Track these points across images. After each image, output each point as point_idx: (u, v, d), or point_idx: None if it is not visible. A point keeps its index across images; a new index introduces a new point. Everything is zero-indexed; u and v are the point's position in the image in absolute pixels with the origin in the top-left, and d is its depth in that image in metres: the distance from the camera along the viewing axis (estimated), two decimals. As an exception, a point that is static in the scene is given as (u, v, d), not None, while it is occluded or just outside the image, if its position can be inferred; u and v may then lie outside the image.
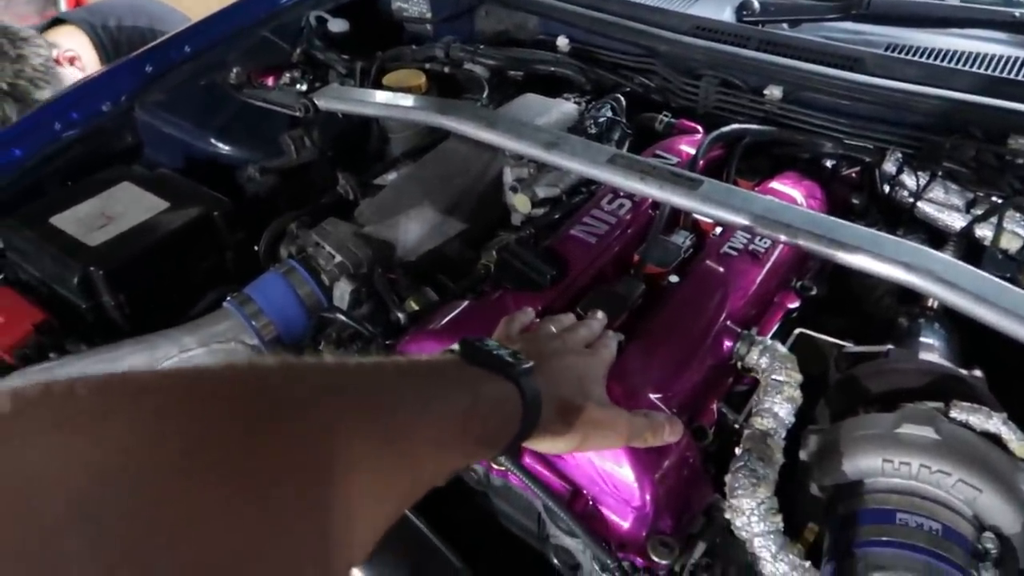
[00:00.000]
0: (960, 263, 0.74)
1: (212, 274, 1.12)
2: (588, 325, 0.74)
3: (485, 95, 1.33)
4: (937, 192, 1.02)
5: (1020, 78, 1.08)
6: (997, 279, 0.71)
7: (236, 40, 1.46)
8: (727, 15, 1.32)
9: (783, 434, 0.74)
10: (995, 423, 0.68)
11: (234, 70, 1.39)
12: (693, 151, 1.07)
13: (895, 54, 1.16)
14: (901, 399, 0.74)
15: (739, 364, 0.83)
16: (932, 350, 0.86)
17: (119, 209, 1.09)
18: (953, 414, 0.69)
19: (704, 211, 0.85)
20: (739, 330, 0.84)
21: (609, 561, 0.68)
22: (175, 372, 0.34)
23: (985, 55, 1.13)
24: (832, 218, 0.80)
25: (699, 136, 1.17)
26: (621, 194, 1.01)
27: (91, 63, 1.82)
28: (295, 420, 0.35)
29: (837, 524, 0.69)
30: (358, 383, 0.42)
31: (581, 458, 0.72)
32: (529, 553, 0.81)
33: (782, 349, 0.81)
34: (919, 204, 1.04)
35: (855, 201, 1.09)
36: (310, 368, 0.41)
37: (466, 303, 0.88)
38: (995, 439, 0.68)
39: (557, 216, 1.04)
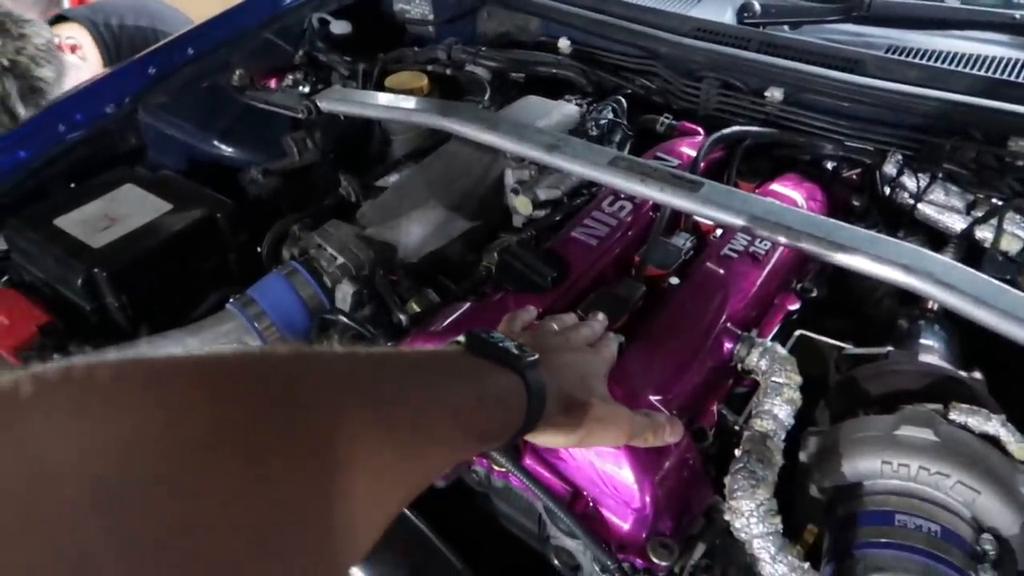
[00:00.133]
0: (959, 265, 0.74)
1: (215, 276, 1.12)
2: (589, 326, 0.74)
3: (487, 97, 1.33)
4: (937, 194, 1.03)
5: (1020, 80, 1.08)
6: (996, 281, 0.71)
7: (239, 42, 1.46)
8: (728, 17, 1.32)
9: (783, 436, 0.74)
10: (994, 425, 0.68)
11: (237, 72, 1.40)
12: (694, 153, 1.07)
13: (895, 56, 1.16)
14: (901, 401, 0.75)
15: (739, 366, 0.83)
16: (932, 352, 0.86)
17: (123, 211, 1.10)
18: (952, 416, 0.70)
19: (704, 213, 0.85)
20: (739, 332, 0.84)
21: (609, 562, 0.69)
22: (190, 358, 0.34)
23: (985, 57, 1.13)
24: (832, 220, 0.81)
25: (700, 138, 1.18)
26: (622, 196, 1.02)
27: (93, 60, 1.82)
28: (307, 407, 0.36)
29: (836, 525, 0.70)
30: (367, 372, 0.43)
31: (581, 459, 0.72)
32: (530, 554, 0.82)
33: (782, 351, 0.81)
34: (919, 206, 1.04)
35: (856, 203, 1.09)
36: (321, 356, 0.42)
37: (467, 305, 0.88)
38: (994, 441, 0.68)
39: (558, 218, 1.05)
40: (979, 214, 1.00)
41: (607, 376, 0.68)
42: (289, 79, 1.46)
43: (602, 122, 1.20)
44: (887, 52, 1.17)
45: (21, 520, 0.25)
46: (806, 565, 0.66)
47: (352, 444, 0.36)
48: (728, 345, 0.83)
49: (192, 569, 0.27)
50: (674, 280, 0.92)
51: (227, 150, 1.38)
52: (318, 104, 1.21)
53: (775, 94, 1.18)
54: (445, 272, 1.02)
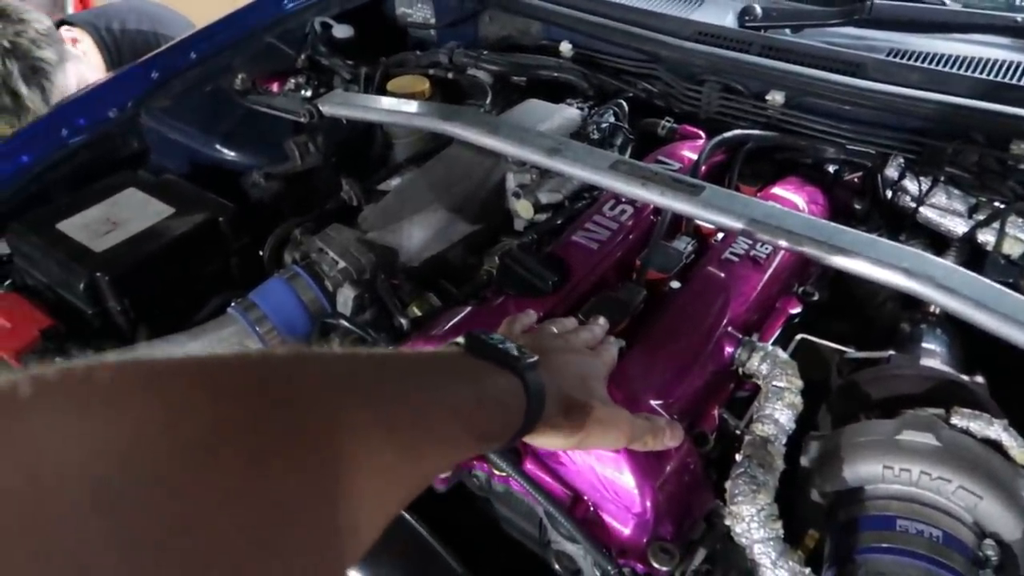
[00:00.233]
0: (960, 269, 0.74)
1: (217, 279, 1.12)
2: (590, 329, 0.74)
3: (488, 101, 1.33)
4: (939, 197, 1.03)
5: (1022, 83, 1.08)
6: (997, 285, 0.71)
7: (241, 46, 1.47)
8: (729, 21, 1.32)
9: (784, 440, 0.74)
10: (996, 430, 0.68)
11: (239, 76, 1.40)
12: (695, 157, 1.07)
13: (897, 59, 1.16)
14: (902, 405, 0.75)
15: (740, 370, 0.83)
16: (934, 356, 0.86)
17: (125, 215, 1.10)
18: (954, 421, 0.70)
19: (705, 217, 0.85)
20: (740, 336, 0.84)
21: (610, 567, 0.69)
22: (190, 359, 0.34)
23: (987, 60, 1.13)
24: (833, 224, 0.81)
25: (701, 141, 1.18)
26: (623, 200, 1.02)
27: (96, 64, 1.82)
28: (307, 407, 0.36)
29: (837, 530, 0.69)
30: (367, 373, 0.43)
31: (582, 464, 0.72)
32: (530, 559, 0.82)
33: (783, 355, 0.81)
34: (921, 209, 1.04)
35: (857, 206, 1.09)
36: (321, 357, 0.42)
37: (468, 309, 0.88)
38: (996, 446, 0.68)
39: (559, 222, 1.05)
40: (981, 217, 1.00)
41: (607, 379, 0.68)
42: (291, 83, 1.46)
43: (603, 126, 1.20)
44: (888, 55, 1.17)
45: (21, 522, 0.25)
46: (807, 570, 0.65)
47: (352, 444, 0.37)
48: (729, 349, 0.83)
49: (192, 569, 0.27)
50: (675, 284, 0.92)
51: (229, 154, 1.38)
52: (320, 108, 1.21)
53: (776, 98, 1.18)
54: (446, 276, 1.03)
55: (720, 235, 1.00)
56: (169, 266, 1.07)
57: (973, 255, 0.99)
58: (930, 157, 1.06)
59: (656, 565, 0.68)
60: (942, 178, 1.03)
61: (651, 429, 0.66)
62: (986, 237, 0.98)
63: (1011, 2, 1.38)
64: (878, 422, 0.72)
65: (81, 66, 1.73)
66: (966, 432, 0.69)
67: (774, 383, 0.78)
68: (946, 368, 0.83)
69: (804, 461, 0.74)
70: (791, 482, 0.73)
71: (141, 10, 1.99)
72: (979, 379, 0.79)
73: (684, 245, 0.96)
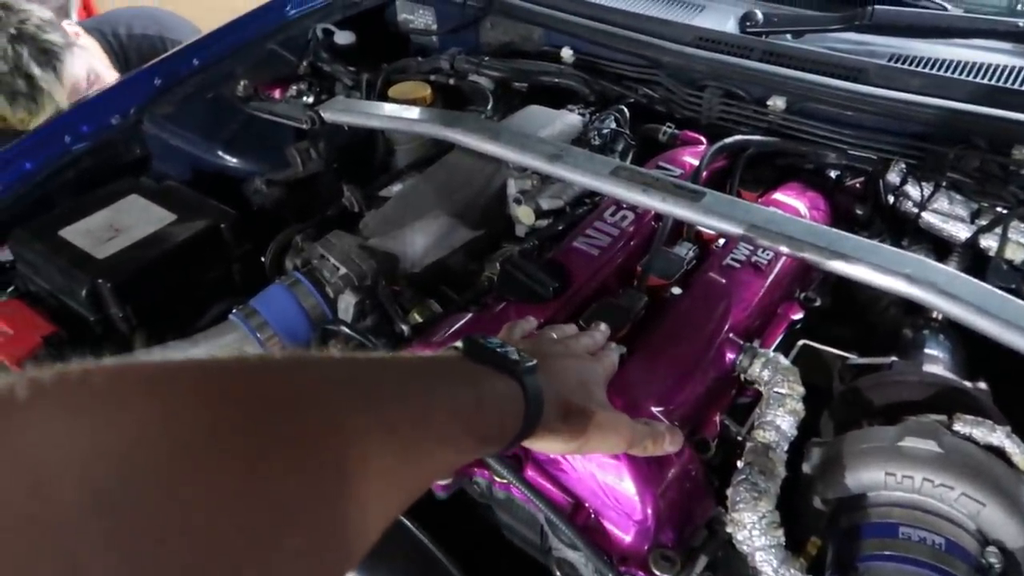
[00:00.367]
0: (962, 275, 0.74)
1: (218, 286, 1.13)
2: (590, 335, 0.74)
3: (490, 106, 1.34)
4: (941, 203, 1.02)
5: (1023, 88, 1.08)
6: (999, 291, 0.71)
7: (243, 53, 1.47)
8: (730, 26, 1.32)
9: (785, 447, 0.74)
10: (999, 436, 0.68)
11: (241, 83, 1.40)
12: (696, 162, 1.07)
13: (899, 65, 1.16)
14: (905, 412, 0.74)
15: (742, 376, 0.83)
16: (936, 362, 0.86)
17: (127, 221, 1.10)
18: (956, 427, 0.69)
19: (706, 223, 0.85)
20: (741, 342, 0.84)
21: (611, 574, 0.68)
22: (187, 362, 0.34)
23: (989, 65, 1.13)
24: (835, 230, 0.81)
25: (702, 147, 1.18)
26: (624, 206, 1.02)
27: (105, 67, 1.82)
28: (306, 410, 0.36)
29: (839, 538, 0.69)
30: (366, 376, 0.43)
31: (583, 471, 0.72)
32: (531, 566, 0.81)
33: (784, 361, 0.81)
34: (923, 215, 1.04)
35: (859, 212, 1.09)
36: (320, 361, 0.42)
37: (469, 315, 0.88)
38: (999, 453, 0.68)
39: (560, 228, 1.05)
40: (983, 223, 0.99)
41: (607, 385, 0.68)
42: (293, 89, 1.47)
43: (604, 131, 1.20)
44: (890, 61, 1.17)
45: (18, 525, 0.25)
46: (809, 578, 0.65)
47: (351, 447, 0.37)
48: (730, 355, 0.83)
49: (192, 571, 0.27)
50: (676, 290, 0.92)
51: (231, 160, 1.38)
52: (322, 114, 1.21)
53: (778, 103, 1.18)
54: (447, 282, 1.03)
55: (721, 241, 1.00)
56: (171, 273, 1.07)
57: (975, 261, 0.99)
58: (932, 162, 1.06)
59: (657, 572, 0.68)
60: (944, 183, 1.03)
61: (651, 434, 0.66)
62: (988, 242, 0.98)
63: (1012, 7, 1.38)
64: (880, 428, 0.71)
65: (91, 58, 1.74)
66: (969, 439, 0.68)
67: (776, 389, 0.78)
68: (949, 374, 0.83)
69: (806, 468, 0.73)
70: (793, 489, 0.73)
71: (147, 15, 2.00)
72: (982, 385, 0.78)
73: (685, 251, 0.96)
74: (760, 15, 1.30)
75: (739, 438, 0.78)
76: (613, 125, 1.22)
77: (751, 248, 0.94)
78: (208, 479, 0.29)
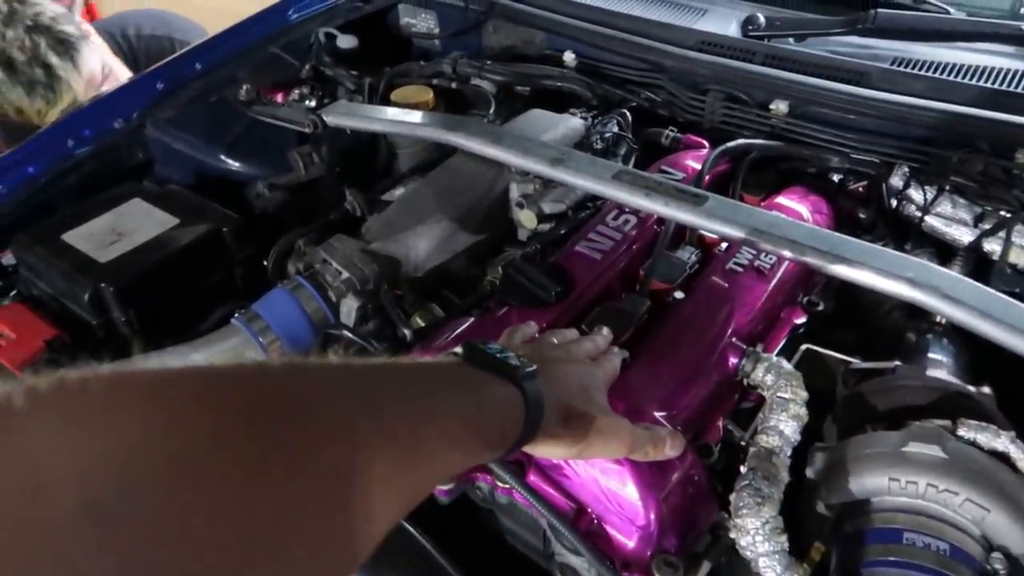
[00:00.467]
0: (966, 279, 0.73)
1: (221, 290, 1.13)
2: (592, 339, 0.74)
3: (492, 110, 1.34)
4: (945, 206, 1.02)
5: (1027, 92, 1.08)
6: (1003, 295, 0.71)
7: (246, 57, 1.47)
8: (733, 30, 1.32)
9: (788, 452, 0.74)
10: (1003, 441, 0.68)
11: (244, 87, 1.41)
12: (699, 166, 1.07)
13: (901, 68, 1.16)
14: (908, 417, 0.74)
15: (745, 381, 0.83)
16: (940, 366, 0.86)
17: (130, 225, 1.10)
18: (961, 432, 0.69)
19: (709, 227, 0.85)
20: (744, 347, 0.83)
21: (614, 580, 0.68)
22: (186, 370, 0.34)
23: (992, 69, 1.13)
24: (837, 234, 0.80)
25: (705, 151, 1.18)
26: (627, 210, 1.02)
27: (117, 63, 1.82)
28: (305, 417, 0.36)
29: (843, 543, 0.69)
30: (365, 382, 0.43)
31: (586, 476, 0.72)
32: (534, 571, 0.81)
33: (787, 366, 0.81)
34: (927, 218, 1.03)
35: (862, 216, 1.09)
36: (319, 367, 0.42)
37: (471, 319, 0.88)
38: (1004, 458, 0.67)
39: (563, 232, 1.04)
40: (987, 226, 0.99)
41: (608, 388, 0.68)
42: (295, 93, 1.47)
43: (607, 135, 1.20)
44: (893, 64, 1.17)
45: (15, 533, 0.25)
46: (813, 584, 0.65)
47: (351, 453, 0.37)
48: (733, 360, 0.83)
49: None
50: (679, 294, 0.92)
51: (234, 164, 1.38)
52: (324, 118, 1.21)
53: (780, 107, 1.18)
54: (449, 286, 1.03)
55: (724, 245, 1.00)
56: (173, 277, 1.07)
57: (979, 265, 0.99)
58: (935, 166, 1.06)
59: (660, 578, 0.68)
60: (947, 187, 1.03)
61: (652, 439, 0.66)
62: (992, 246, 0.98)
63: (1015, 10, 1.38)
64: (884, 434, 0.71)
65: (104, 52, 1.74)
66: (973, 444, 0.68)
67: (779, 394, 0.78)
68: (953, 379, 0.82)
69: (809, 473, 0.73)
70: (796, 494, 0.73)
71: (155, 16, 2.01)
72: (986, 390, 0.78)
73: (688, 255, 0.96)
74: (762, 19, 1.30)
75: (742, 443, 0.78)
76: (615, 129, 1.21)
77: (754, 252, 0.94)
78: (208, 486, 0.29)
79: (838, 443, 0.74)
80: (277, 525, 0.31)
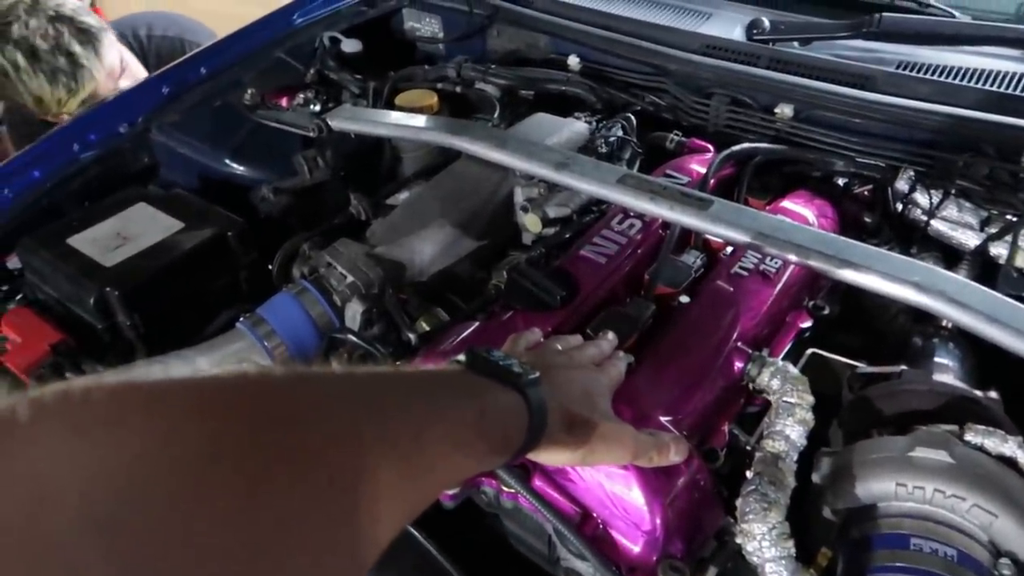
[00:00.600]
0: (972, 283, 0.73)
1: (226, 294, 1.13)
2: (596, 344, 0.74)
3: (496, 115, 1.34)
4: (951, 210, 1.02)
5: (1033, 95, 1.08)
6: (1010, 299, 0.71)
7: (251, 61, 1.48)
8: (737, 34, 1.32)
9: (795, 457, 0.74)
10: (1011, 446, 0.67)
11: (248, 91, 1.41)
12: (704, 170, 1.07)
13: (906, 72, 1.16)
14: (915, 421, 0.74)
15: (750, 385, 0.82)
16: (946, 371, 0.85)
17: (135, 229, 1.11)
18: (968, 437, 0.69)
19: (714, 231, 0.85)
20: (750, 351, 0.83)
21: (619, 585, 0.68)
22: (188, 380, 0.34)
23: (997, 72, 1.12)
24: (843, 238, 0.80)
25: (710, 155, 1.18)
26: (632, 214, 1.01)
27: (133, 60, 1.83)
28: (308, 425, 0.36)
29: (850, 549, 0.69)
30: (368, 391, 0.43)
31: (591, 481, 0.71)
32: (539, 576, 0.81)
33: (793, 371, 0.80)
34: (933, 222, 1.03)
35: (867, 220, 1.08)
36: (321, 376, 0.42)
37: (476, 323, 0.88)
38: (1011, 463, 0.67)
39: (568, 236, 1.04)
40: (993, 230, 0.99)
41: (612, 393, 0.67)
42: (300, 98, 1.47)
43: (611, 139, 1.20)
44: (898, 68, 1.17)
45: (20, 544, 0.25)
46: (819, 589, 0.65)
47: (354, 461, 0.37)
48: (739, 364, 0.83)
49: None
50: (684, 299, 0.92)
51: (238, 168, 1.39)
52: (329, 122, 1.22)
53: (785, 110, 1.17)
54: (454, 290, 1.03)
55: (729, 249, 0.99)
56: (179, 281, 1.07)
57: (985, 269, 0.99)
58: (941, 170, 1.06)
59: (666, 584, 0.67)
60: (953, 191, 1.03)
61: (656, 445, 0.66)
62: (998, 250, 0.97)
63: (1021, 14, 1.38)
64: (891, 439, 0.71)
65: (121, 48, 1.75)
66: (980, 449, 0.68)
67: (785, 399, 0.78)
68: (959, 383, 0.82)
69: (816, 478, 0.73)
70: (802, 499, 0.73)
71: (166, 17, 2.02)
72: (993, 395, 0.78)
73: (693, 259, 0.96)
74: (767, 23, 1.30)
75: (748, 448, 0.78)
76: (620, 133, 1.21)
77: (759, 256, 0.94)
78: (210, 494, 0.29)
79: (844, 448, 0.74)
80: (280, 533, 0.31)
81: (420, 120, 1.16)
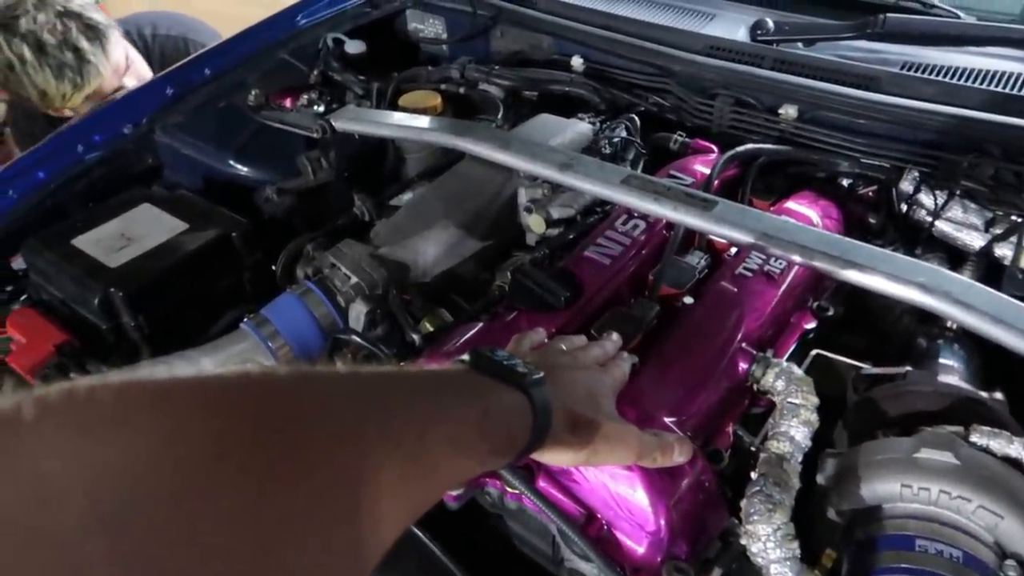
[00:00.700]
0: (977, 284, 0.73)
1: (230, 295, 1.13)
2: (601, 345, 0.74)
3: (500, 115, 1.34)
4: (955, 211, 1.02)
5: (1037, 96, 1.07)
6: (1015, 300, 0.70)
7: (255, 62, 1.48)
8: (741, 35, 1.32)
9: (799, 458, 0.74)
10: (1016, 448, 0.67)
11: (252, 92, 1.41)
12: (708, 171, 1.07)
13: (911, 72, 1.16)
14: (920, 422, 0.74)
15: (755, 386, 0.82)
16: (951, 372, 0.85)
17: (139, 230, 1.11)
18: (973, 438, 0.68)
19: (718, 232, 0.85)
20: (754, 352, 0.83)
21: (624, 586, 0.68)
22: (193, 379, 0.34)
23: (1002, 73, 1.12)
24: (847, 239, 0.80)
25: (714, 156, 1.17)
26: (635, 214, 1.01)
27: (137, 58, 1.83)
28: (313, 425, 0.36)
29: (855, 550, 0.68)
30: (372, 390, 0.43)
31: (595, 481, 0.71)
32: (543, 577, 0.81)
33: (798, 371, 0.80)
34: (937, 223, 1.03)
35: (872, 220, 1.08)
36: (325, 376, 0.42)
37: (480, 324, 0.88)
38: (1016, 464, 0.67)
39: (572, 236, 1.04)
40: (998, 231, 0.99)
41: (616, 394, 0.67)
42: (304, 98, 1.47)
43: (615, 140, 1.20)
44: (902, 69, 1.17)
45: (25, 543, 0.25)
46: (824, 591, 0.65)
47: (358, 460, 0.37)
48: (743, 365, 0.83)
49: None
50: (688, 299, 0.92)
51: (242, 169, 1.39)
52: (332, 123, 1.22)
53: (789, 111, 1.17)
54: (458, 291, 1.03)
55: (733, 250, 0.99)
56: (183, 282, 1.08)
57: (990, 270, 0.98)
58: (945, 171, 1.05)
59: (671, 585, 0.67)
60: (958, 192, 1.02)
61: (660, 445, 0.66)
62: (1003, 251, 0.97)
63: (1025, 14, 1.37)
64: (896, 440, 0.71)
65: (127, 46, 1.76)
66: (986, 450, 0.68)
67: (789, 400, 0.77)
68: (964, 384, 0.82)
69: (820, 479, 0.73)
70: (807, 500, 0.72)
71: (170, 17, 2.03)
72: (998, 396, 0.77)
73: (697, 260, 0.96)
74: (771, 23, 1.29)
75: (752, 449, 0.78)
76: (624, 134, 1.21)
77: (763, 257, 0.94)
78: (214, 493, 0.29)
79: (849, 449, 0.73)
80: (284, 532, 0.31)
81: (424, 121, 1.16)
